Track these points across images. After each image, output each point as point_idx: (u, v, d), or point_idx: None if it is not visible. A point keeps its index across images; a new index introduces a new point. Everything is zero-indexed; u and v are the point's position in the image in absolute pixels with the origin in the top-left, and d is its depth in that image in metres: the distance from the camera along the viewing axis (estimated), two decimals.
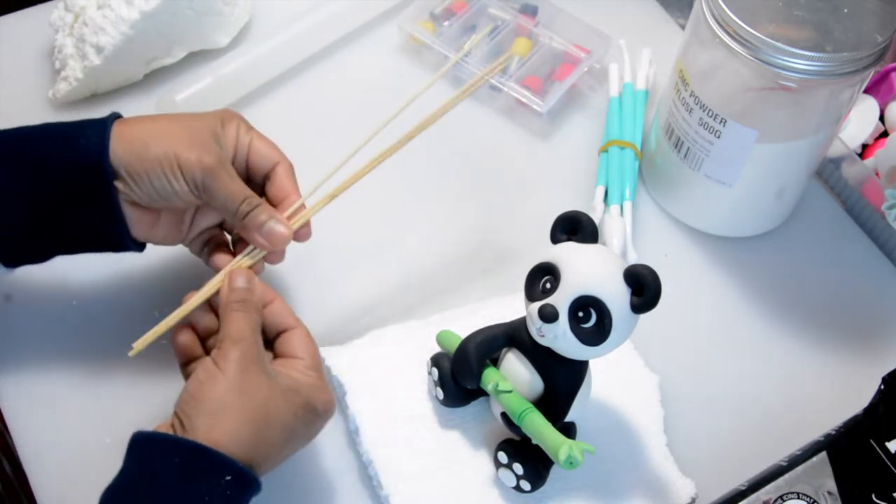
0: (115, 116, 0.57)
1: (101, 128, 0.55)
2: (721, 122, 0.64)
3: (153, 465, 0.49)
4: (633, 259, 0.69)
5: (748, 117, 0.63)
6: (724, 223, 0.73)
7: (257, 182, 0.60)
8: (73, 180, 0.54)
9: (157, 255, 0.69)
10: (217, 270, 0.58)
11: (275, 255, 0.59)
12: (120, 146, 0.54)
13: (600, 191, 0.72)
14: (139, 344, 0.55)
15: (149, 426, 0.55)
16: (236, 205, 0.56)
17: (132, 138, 0.55)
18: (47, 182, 0.55)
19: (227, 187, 0.56)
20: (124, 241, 0.57)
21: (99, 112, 0.61)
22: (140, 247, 0.60)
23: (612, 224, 0.69)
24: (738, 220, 0.73)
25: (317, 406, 0.53)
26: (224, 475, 0.48)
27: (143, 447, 0.50)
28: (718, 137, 0.65)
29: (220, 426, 0.49)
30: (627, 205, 0.72)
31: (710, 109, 0.65)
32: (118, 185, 0.55)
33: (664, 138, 0.71)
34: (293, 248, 0.60)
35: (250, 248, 0.58)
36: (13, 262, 0.59)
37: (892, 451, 0.54)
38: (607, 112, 0.78)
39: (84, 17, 0.74)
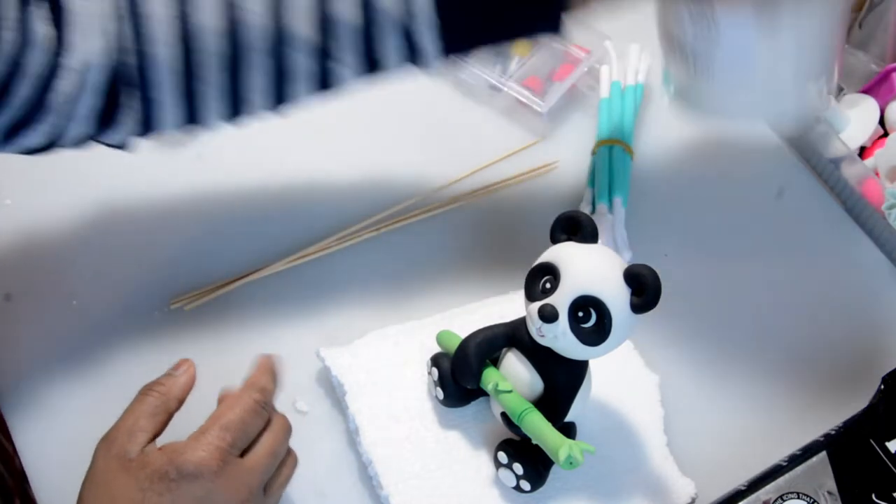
0: None
1: None
2: None
3: None
4: (627, 256, 0.69)
5: None
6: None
7: None
8: None
9: (157, 255, 0.69)
10: None
11: None
12: None
13: (589, 193, 0.73)
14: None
15: None
16: None
17: None
18: None
19: None
20: None
21: None
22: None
23: (599, 222, 0.70)
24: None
25: (167, 472, 0.49)
26: None
27: None
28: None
29: None
30: (617, 201, 0.72)
31: None
32: None
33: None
34: (294, 248, 0.60)
35: None
36: (454, 52, 0.56)
37: (892, 451, 0.54)
38: (598, 114, 0.78)
39: None
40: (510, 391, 0.55)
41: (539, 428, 0.54)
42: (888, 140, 0.74)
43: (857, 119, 0.77)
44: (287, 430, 0.55)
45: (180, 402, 0.54)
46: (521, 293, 0.54)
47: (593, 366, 0.57)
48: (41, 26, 0.49)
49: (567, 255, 0.53)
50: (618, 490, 0.59)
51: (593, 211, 0.72)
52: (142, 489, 0.49)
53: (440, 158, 0.76)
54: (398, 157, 0.74)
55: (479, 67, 0.78)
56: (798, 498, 0.54)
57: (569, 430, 0.57)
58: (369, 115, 0.74)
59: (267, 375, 0.55)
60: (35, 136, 0.52)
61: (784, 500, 0.54)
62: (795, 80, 0.61)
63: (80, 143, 0.55)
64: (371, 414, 0.60)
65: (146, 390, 0.53)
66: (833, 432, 0.57)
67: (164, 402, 0.53)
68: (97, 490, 0.50)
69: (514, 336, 0.56)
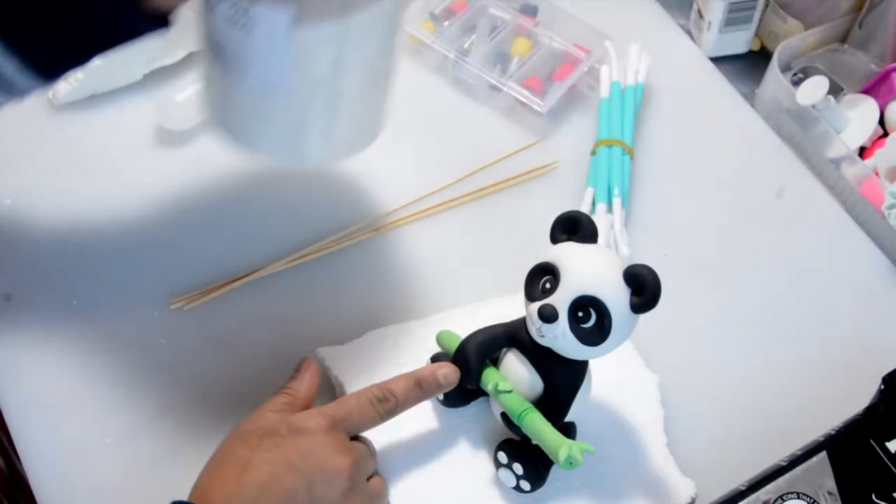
0: None
1: None
2: None
3: None
4: (625, 256, 0.69)
5: None
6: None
7: None
8: None
9: (157, 255, 0.69)
10: None
11: None
12: None
13: (589, 192, 0.73)
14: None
15: (148, 425, 0.55)
16: None
17: None
18: None
19: None
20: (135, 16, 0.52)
21: (99, 112, 0.61)
22: (163, 22, 0.53)
23: (598, 222, 0.70)
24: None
25: (278, 429, 0.52)
26: None
27: None
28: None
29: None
30: (616, 201, 0.72)
31: None
32: None
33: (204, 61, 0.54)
34: (294, 248, 0.60)
35: None
36: (50, 70, 0.53)
37: (892, 451, 0.54)
38: (598, 114, 0.78)
39: None
40: (510, 391, 0.55)
41: (539, 428, 0.54)
42: (888, 140, 0.74)
43: (857, 119, 0.77)
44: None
45: (309, 401, 0.56)
46: (521, 293, 0.54)
47: (593, 366, 0.57)
48: None
49: (567, 255, 0.53)
50: (618, 490, 0.59)
51: (593, 211, 0.72)
52: (251, 447, 0.51)
53: (440, 158, 0.76)
54: (398, 157, 0.74)
55: (479, 67, 0.78)
56: (798, 498, 0.54)
57: (569, 430, 0.57)
58: None
59: (410, 390, 0.56)
60: None
61: (784, 500, 0.54)
62: (327, 113, 0.54)
63: None
64: None
65: (278, 391, 0.56)
66: (833, 432, 0.57)
67: (290, 400, 0.55)
68: (211, 462, 0.51)
69: (514, 336, 0.56)
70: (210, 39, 0.52)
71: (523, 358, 0.56)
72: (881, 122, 0.77)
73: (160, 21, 0.53)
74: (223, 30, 0.50)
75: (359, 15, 0.51)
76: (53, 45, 0.52)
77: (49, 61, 0.52)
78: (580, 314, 0.51)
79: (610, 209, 0.72)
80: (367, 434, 0.56)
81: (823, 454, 0.55)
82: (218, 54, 0.52)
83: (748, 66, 0.86)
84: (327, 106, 0.54)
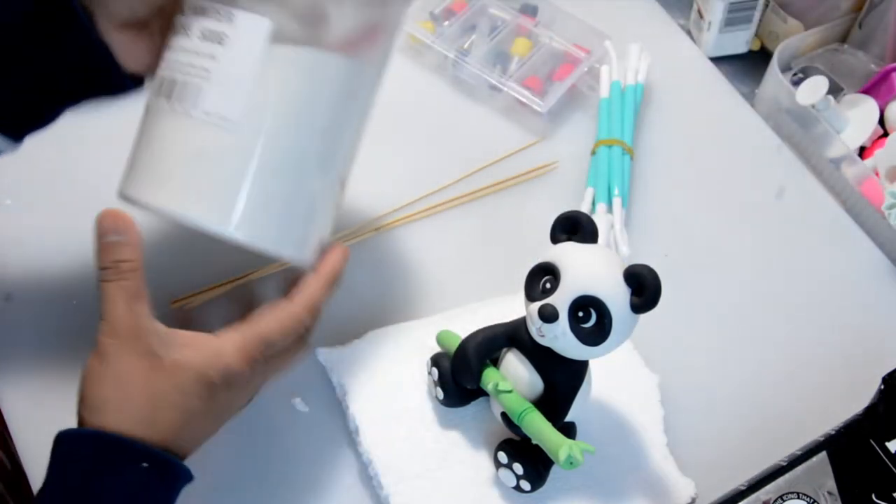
0: None
1: None
2: (228, 17, 0.48)
3: (66, 460, 0.47)
4: (625, 256, 0.69)
5: None
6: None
7: None
8: (42, 25, 0.49)
9: (157, 255, 0.68)
10: None
11: None
12: None
13: (589, 192, 0.73)
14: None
15: None
16: None
17: None
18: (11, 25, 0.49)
19: None
20: (115, 74, 0.51)
21: (100, 111, 0.61)
22: (138, 82, 0.53)
23: (598, 222, 0.70)
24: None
25: (211, 376, 0.49)
26: (139, 461, 0.46)
27: (58, 445, 0.48)
28: (223, 45, 0.48)
29: (107, 420, 0.47)
30: (616, 201, 0.72)
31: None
32: (94, 11, 0.49)
33: (153, 98, 0.51)
34: None
35: None
36: (16, 131, 0.52)
37: (892, 451, 0.54)
38: (598, 114, 0.78)
39: None
40: (510, 391, 0.55)
41: (539, 428, 0.54)
42: (888, 140, 0.74)
43: (857, 119, 0.77)
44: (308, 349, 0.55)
45: (139, 257, 0.51)
46: (521, 293, 0.54)
47: (593, 366, 0.57)
48: None
49: (567, 255, 0.53)
50: (618, 490, 0.59)
51: (593, 211, 0.72)
52: (183, 392, 0.48)
53: (440, 158, 0.76)
54: (398, 157, 0.74)
55: (478, 67, 0.78)
56: (798, 498, 0.54)
57: (569, 430, 0.57)
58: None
59: (330, 284, 0.54)
60: None
61: (784, 500, 0.54)
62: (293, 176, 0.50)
63: None
64: (371, 414, 0.60)
65: (105, 277, 0.49)
66: (833, 432, 0.57)
67: (132, 278, 0.50)
68: (127, 390, 0.48)
69: (514, 336, 0.56)
70: (163, 81, 0.50)
71: (523, 358, 0.56)
72: (881, 122, 0.77)
73: (136, 81, 0.53)
74: (192, 48, 0.49)
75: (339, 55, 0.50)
76: (21, 107, 0.51)
77: (16, 124, 0.52)
78: (580, 314, 0.51)
79: (610, 209, 0.72)
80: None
81: (823, 454, 0.55)
82: (170, 91, 0.49)
83: (748, 66, 0.86)
84: (273, 155, 0.49)
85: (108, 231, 0.50)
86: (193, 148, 0.49)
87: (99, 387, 0.48)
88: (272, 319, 0.52)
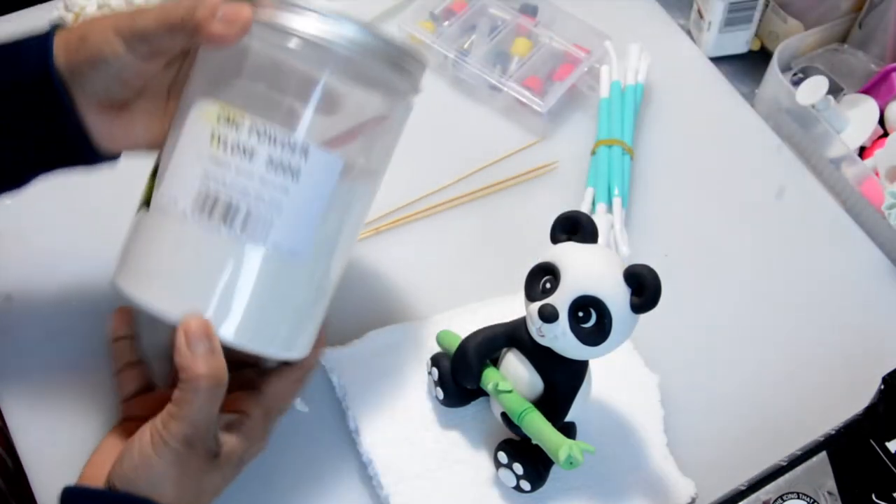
0: (56, 27, 0.52)
1: (43, 40, 0.50)
2: (302, 152, 0.49)
3: None
4: (625, 256, 0.69)
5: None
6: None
7: None
8: (22, 97, 0.50)
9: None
10: None
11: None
12: (61, 50, 0.50)
13: (589, 192, 0.73)
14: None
15: None
16: (178, 12, 0.48)
17: (70, 38, 0.50)
18: None
19: (161, 12, 0.48)
20: (87, 152, 0.52)
21: None
22: (112, 157, 0.55)
23: (598, 222, 0.70)
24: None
25: (243, 458, 0.54)
26: None
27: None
28: (296, 180, 0.49)
29: (153, 495, 0.49)
30: (616, 201, 0.72)
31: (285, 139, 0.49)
32: (74, 91, 0.50)
33: (196, 216, 0.49)
34: None
35: None
36: None
37: (892, 451, 0.54)
38: (598, 114, 0.78)
39: (84, 17, 0.74)
40: (510, 391, 0.55)
41: (539, 428, 0.54)
42: (888, 140, 0.74)
43: (857, 119, 0.77)
44: None
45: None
46: (521, 293, 0.54)
47: (593, 366, 0.57)
48: None
49: (567, 256, 0.53)
50: (618, 490, 0.59)
51: (593, 211, 0.72)
52: (223, 478, 0.53)
53: (440, 158, 0.76)
54: (397, 157, 0.74)
55: (478, 67, 0.78)
56: (798, 498, 0.54)
57: (569, 430, 0.57)
58: None
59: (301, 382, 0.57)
60: None
61: (784, 500, 0.54)
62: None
63: None
64: (371, 414, 0.60)
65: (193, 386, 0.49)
66: (833, 432, 0.57)
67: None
68: (181, 480, 0.50)
69: (514, 336, 0.56)
70: (217, 202, 0.49)
71: (523, 358, 0.56)
72: (881, 121, 0.77)
73: (111, 157, 0.54)
74: (258, 175, 0.48)
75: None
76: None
77: None
78: (580, 314, 0.51)
79: (610, 209, 0.72)
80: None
81: (823, 454, 0.55)
82: (228, 215, 0.49)
83: (748, 66, 0.86)
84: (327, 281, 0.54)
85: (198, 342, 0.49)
86: (261, 279, 0.50)
87: (158, 474, 0.49)
88: (281, 397, 0.56)
